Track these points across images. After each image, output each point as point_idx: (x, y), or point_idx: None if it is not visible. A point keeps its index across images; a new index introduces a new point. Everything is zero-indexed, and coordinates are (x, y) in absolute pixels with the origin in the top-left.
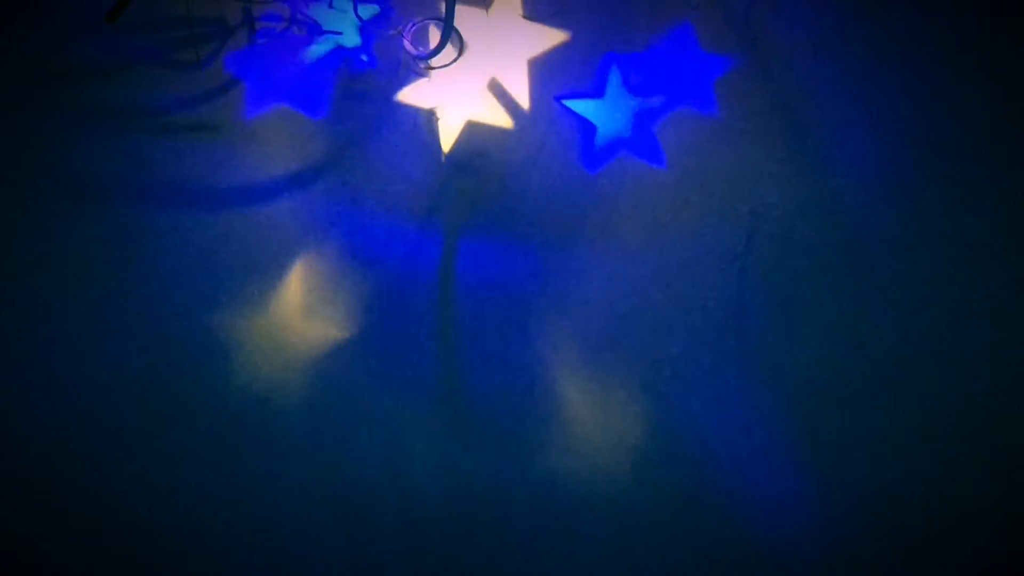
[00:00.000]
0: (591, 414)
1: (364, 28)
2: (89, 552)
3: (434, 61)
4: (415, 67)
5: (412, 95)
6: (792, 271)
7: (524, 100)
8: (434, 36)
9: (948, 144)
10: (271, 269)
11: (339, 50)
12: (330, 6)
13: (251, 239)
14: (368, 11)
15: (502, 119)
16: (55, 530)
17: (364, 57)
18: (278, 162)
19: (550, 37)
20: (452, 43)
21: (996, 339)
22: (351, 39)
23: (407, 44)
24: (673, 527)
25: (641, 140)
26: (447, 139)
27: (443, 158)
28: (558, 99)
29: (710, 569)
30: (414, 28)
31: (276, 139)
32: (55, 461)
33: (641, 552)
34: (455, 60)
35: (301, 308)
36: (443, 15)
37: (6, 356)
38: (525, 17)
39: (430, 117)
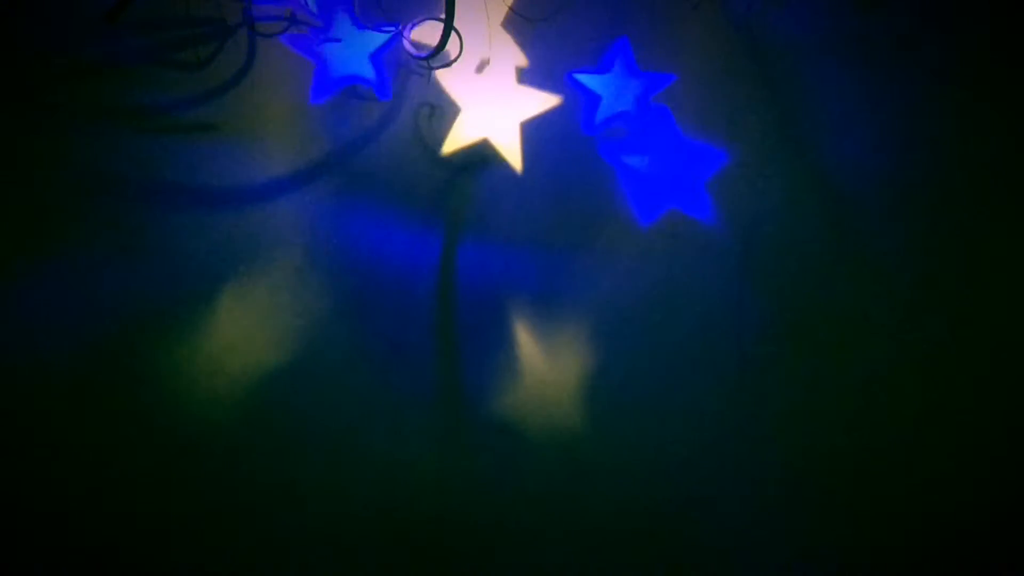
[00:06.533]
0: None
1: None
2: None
3: (433, 61)
4: (415, 67)
5: (412, 95)
6: (792, 273)
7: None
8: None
9: (948, 144)
10: (272, 270)
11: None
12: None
13: (251, 240)
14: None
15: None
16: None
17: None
18: (278, 163)
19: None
20: (452, 42)
21: (997, 339)
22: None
23: (407, 44)
24: (671, 528)
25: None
26: (447, 137)
27: (443, 157)
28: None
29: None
30: (414, 27)
31: (276, 139)
32: (54, 461)
33: (639, 553)
34: (455, 60)
35: (301, 308)
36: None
37: (6, 355)
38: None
39: (430, 116)
